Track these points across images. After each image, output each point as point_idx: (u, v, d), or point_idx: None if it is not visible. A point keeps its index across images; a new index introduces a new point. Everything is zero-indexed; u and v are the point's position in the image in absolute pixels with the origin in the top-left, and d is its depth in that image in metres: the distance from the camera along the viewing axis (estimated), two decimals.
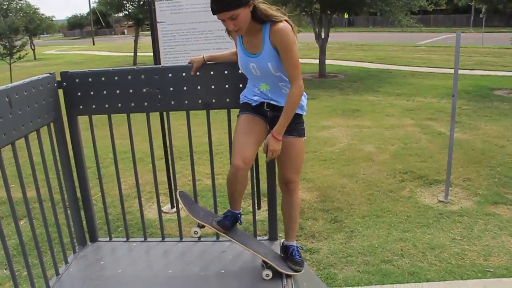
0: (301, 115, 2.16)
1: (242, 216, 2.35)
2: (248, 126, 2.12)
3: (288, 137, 2.11)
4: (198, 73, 2.25)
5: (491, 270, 3.48)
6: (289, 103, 2.01)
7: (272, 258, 2.16)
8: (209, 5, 1.91)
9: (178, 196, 2.23)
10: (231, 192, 2.17)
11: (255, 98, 2.14)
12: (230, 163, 2.16)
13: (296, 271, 2.16)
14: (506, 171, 5.37)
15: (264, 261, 2.15)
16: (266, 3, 1.97)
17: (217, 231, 2.15)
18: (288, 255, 2.23)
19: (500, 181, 5.12)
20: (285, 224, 2.31)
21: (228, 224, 2.17)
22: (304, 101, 2.13)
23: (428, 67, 14.68)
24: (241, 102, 2.22)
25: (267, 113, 2.13)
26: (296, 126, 2.13)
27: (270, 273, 2.11)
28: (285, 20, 1.96)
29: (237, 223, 2.25)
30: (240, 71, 2.22)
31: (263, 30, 1.98)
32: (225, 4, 1.87)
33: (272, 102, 2.11)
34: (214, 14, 1.92)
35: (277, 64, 2.00)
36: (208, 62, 2.27)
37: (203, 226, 2.19)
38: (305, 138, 2.20)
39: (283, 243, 2.32)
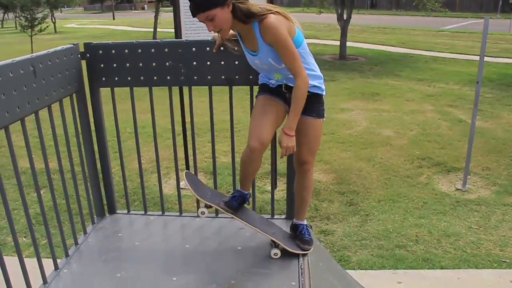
0: (321, 95, 2.11)
1: (257, 195, 2.34)
2: (266, 107, 2.09)
3: (306, 117, 2.08)
4: (221, 49, 2.23)
5: (507, 260, 3.44)
6: (296, 98, 1.95)
7: (281, 238, 2.16)
8: None
9: (184, 177, 2.22)
10: (243, 171, 2.16)
11: (272, 81, 2.11)
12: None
13: (304, 250, 2.16)
14: None
15: (272, 240, 2.15)
16: (246, 2, 1.89)
17: (224, 211, 2.15)
18: (297, 233, 2.23)
19: None
20: (296, 204, 2.30)
21: (236, 204, 2.16)
22: (320, 81, 2.09)
23: (451, 52, 14.36)
24: (259, 82, 2.20)
25: (285, 95, 2.10)
26: (316, 107, 2.10)
27: (279, 252, 2.12)
28: (272, 14, 1.88)
29: (245, 204, 2.24)
30: None
31: (254, 29, 1.92)
32: (198, 5, 1.84)
33: (290, 84, 2.07)
34: (192, 16, 1.88)
35: (277, 58, 1.95)
36: (232, 39, 2.23)
37: (210, 206, 2.19)
38: (323, 119, 2.16)
39: (292, 221, 2.32)
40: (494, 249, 3.60)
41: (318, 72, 2.09)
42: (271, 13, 1.88)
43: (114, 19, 39.14)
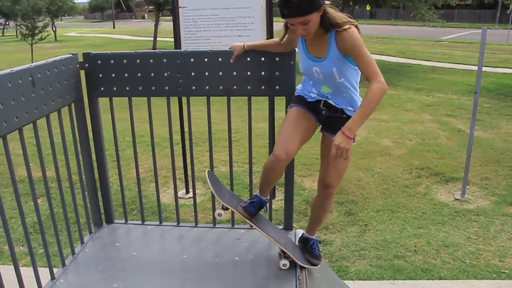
0: None
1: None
2: (298, 120, 2.06)
3: None
4: (232, 61, 2.23)
5: (506, 271, 3.43)
6: (367, 100, 1.81)
7: (291, 249, 2.16)
8: None
9: (206, 175, 2.22)
10: (264, 179, 2.13)
11: (313, 95, 2.09)
12: (261, 150, 2.14)
13: (313, 264, 2.16)
14: None
15: (282, 251, 2.14)
16: (334, 8, 1.88)
17: (241, 216, 2.13)
18: (308, 247, 2.23)
19: None
20: (311, 220, 2.30)
21: (253, 211, 2.15)
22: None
23: (449, 62, 14.43)
24: (296, 94, 2.18)
25: (321, 112, 2.08)
26: None
27: (288, 263, 2.12)
28: (354, 26, 1.87)
29: (262, 210, 2.22)
30: (262, 59, 2.20)
31: (329, 36, 1.90)
32: (299, 9, 1.78)
33: (330, 101, 2.05)
34: (284, 18, 1.85)
35: (341, 69, 1.93)
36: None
37: (227, 209, 2.17)
38: (354, 143, 2.07)
39: (303, 234, 2.31)
40: (493, 260, 3.58)
41: (359, 98, 2.07)
42: (353, 25, 1.87)
43: (114, 28, 39.34)
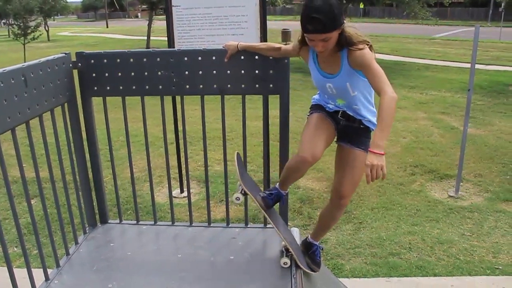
0: (371, 130, 2.11)
1: (250, 203, 2.33)
2: (321, 123, 2.09)
3: (355, 149, 2.09)
4: (226, 60, 2.23)
5: (500, 267, 3.45)
6: (384, 112, 1.77)
7: (294, 249, 2.16)
8: None
9: (235, 157, 2.23)
10: (287, 176, 2.14)
11: (330, 105, 2.12)
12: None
13: (312, 270, 2.18)
14: None
15: (286, 249, 2.15)
16: (353, 27, 1.91)
17: (258, 205, 2.13)
18: (310, 253, 2.25)
19: None
20: (319, 227, 2.31)
21: (271, 203, 2.15)
22: (374, 117, 2.08)
23: (443, 60, 14.49)
24: (313, 103, 2.21)
25: (340, 121, 2.11)
26: (364, 140, 2.10)
27: (289, 262, 2.12)
28: (368, 47, 1.90)
29: (279, 203, 2.24)
30: (256, 57, 2.20)
31: (342, 53, 1.92)
32: (323, 26, 1.79)
33: (348, 112, 2.08)
34: (306, 33, 1.85)
35: (354, 83, 1.95)
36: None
37: (245, 194, 2.17)
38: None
39: (307, 239, 2.32)
40: (487, 256, 3.60)
41: (374, 108, 2.10)
42: (368, 45, 1.89)
43: (107, 27, 39.16)
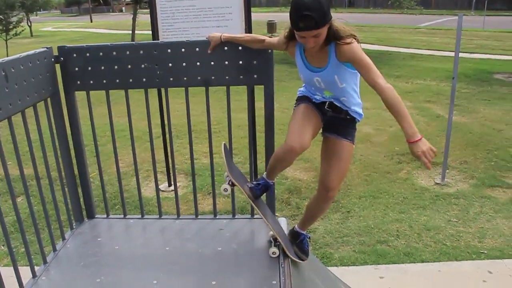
0: (357, 121, 2.14)
1: (238, 195, 2.33)
2: (308, 113, 2.09)
3: (342, 139, 2.10)
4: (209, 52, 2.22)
5: (485, 252, 3.51)
6: (395, 107, 1.80)
7: (282, 238, 2.17)
8: None
9: (222, 148, 2.23)
10: (274, 165, 2.14)
11: (317, 97, 2.12)
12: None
13: (300, 259, 2.19)
14: (503, 155, 5.39)
15: (274, 239, 2.16)
16: (341, 19, 1.92)
17: (246, 196, 2.14)
18: (298, 242, 2.25)
19: (497, 164, 5.14)
20: (306, 217, 2.31)
21: (258, 193, 2.16)
22: (361, 108, 2.12)
23: (428, 49, 14.58)
24: (299, 95, 2.21)
25: (326, 112, 2.11)
26: (351, 131, 2.12)
27: (277, 252, 2.12)
28: (356, 41, 1.91)
29: (266, 192, 2.24)
30: (240, 48, 2.20)
31: (329, 47, 1.93)
32: (315, 22, 1.79)
33: (335, 102, 2.09)
34: (298, 31, 1.84)
35: (342, 75, 1.96)
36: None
37: (233, 185, 2.17)
38: (354, 146, 2.16)
39: (294, 228, 2.33)
40: (473, 241, 3.66)
41: (359, 99, 2.11)
42: (355, 39, 1.89)
43: (91, 22, 38.64)
